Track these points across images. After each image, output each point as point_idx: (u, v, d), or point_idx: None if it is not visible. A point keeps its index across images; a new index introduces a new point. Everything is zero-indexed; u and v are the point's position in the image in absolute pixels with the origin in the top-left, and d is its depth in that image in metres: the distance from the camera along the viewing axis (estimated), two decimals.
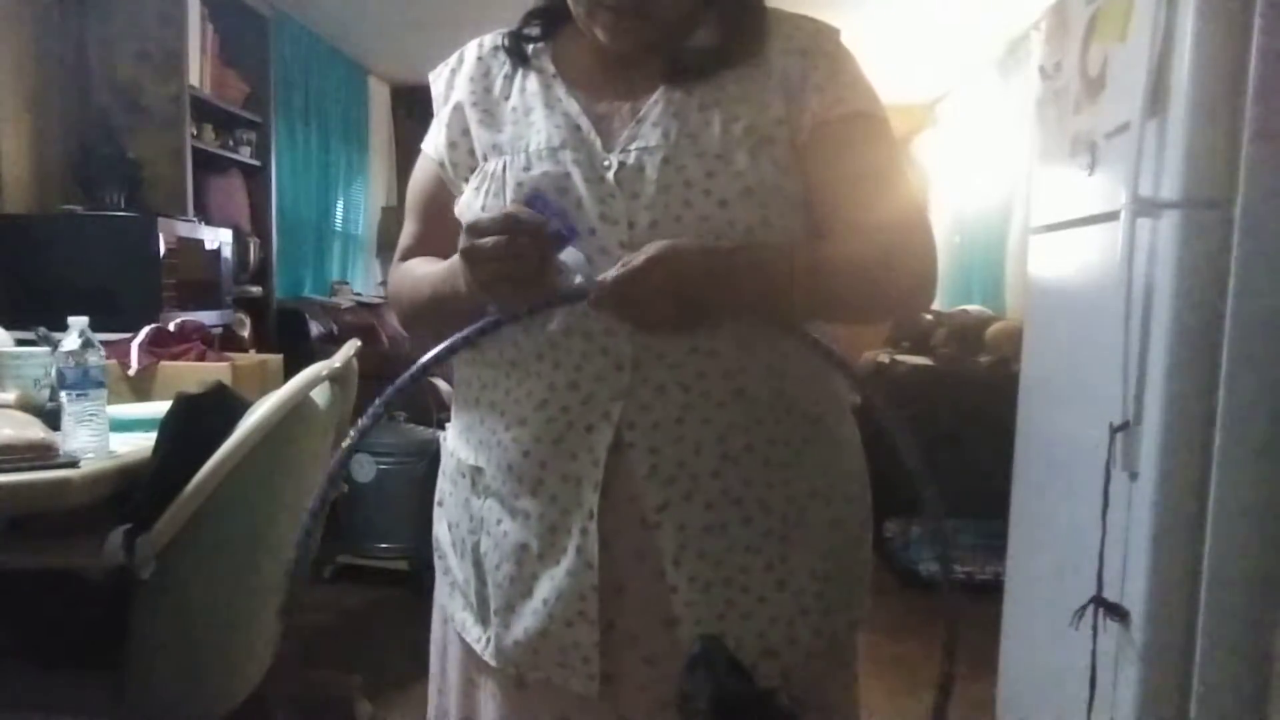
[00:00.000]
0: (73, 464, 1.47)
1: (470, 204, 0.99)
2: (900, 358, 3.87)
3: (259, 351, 2.97)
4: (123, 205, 3.09)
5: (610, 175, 0.92)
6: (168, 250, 2.92)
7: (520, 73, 1.03)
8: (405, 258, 1.10)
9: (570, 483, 0.92)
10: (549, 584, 0.94)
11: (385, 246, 5.67)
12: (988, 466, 2.51)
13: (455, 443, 1.05)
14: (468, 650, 1.04)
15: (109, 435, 1.58)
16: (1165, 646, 1.51)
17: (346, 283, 5.14)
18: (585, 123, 0.96)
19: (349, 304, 4.75)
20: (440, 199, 1.06)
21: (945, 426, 3.48)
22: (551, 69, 1.01)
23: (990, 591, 2.48)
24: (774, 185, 0.91)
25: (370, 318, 4.67)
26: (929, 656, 2.74)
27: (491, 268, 0.86)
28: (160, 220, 2.94)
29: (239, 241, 3.66)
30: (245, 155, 3.92)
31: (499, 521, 0.98)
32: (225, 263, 3.40)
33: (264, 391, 1.63)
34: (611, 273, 0.84)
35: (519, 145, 0.97)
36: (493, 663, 0.99)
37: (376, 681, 2.41)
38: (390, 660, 2.64)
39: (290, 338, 3.92)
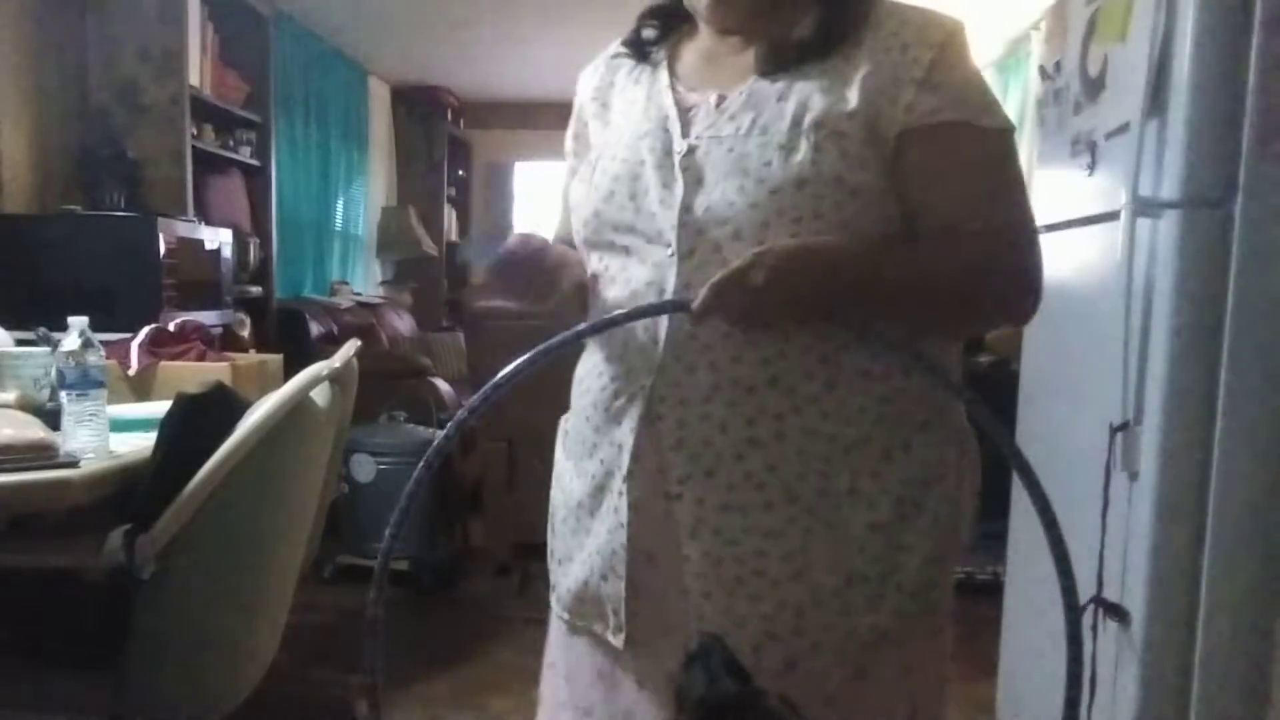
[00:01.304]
0: (73, 464, 1.47)
1: (574, 191, 1.06)
2: None
3: (259, 351, 2.97)
4: (123, 205, 3.09)
5: (677, 161, 0.95)
6: (168, 250, 2.92)
7: (640, 68, 1.07)
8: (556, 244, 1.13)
9: (614, 448, 0.99)
10: (592, 540, 1.02)
11: (385, 246, 5.67)
12: (988, 466, 2.51)
13: (568, 412, 1.12)
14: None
15: (109, 435, 1.58)
16: (1165, 646, 1.50)
17: (346, 283, 5.14)
18: (673, 112, 0.99)
19: (349, 304, 4.75)
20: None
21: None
22: (664, 64, 1.05)
23: (990, 591, 2.48)
24: (833, 177, 0.90)
25: (370, 318, 4.68)
26: None
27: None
28: (160, 220, 2.94)
29: (239, 241, 3.66)
30: (245, 155, 3.92)
31: (569, 480, 1.07)
32: (225, 263, 3.40)
33: (264, 391, 1.63)
34: (713, 279, 0.86)
35: (620, 137, 1.02)
36: (555, 609, 1.09)
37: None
38: (390, 660, 2.64)
39: (290, 338, 3.92)
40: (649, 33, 1.08)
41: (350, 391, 1.86)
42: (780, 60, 0.96)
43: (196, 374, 2.03)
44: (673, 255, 0.94)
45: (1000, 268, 0.94)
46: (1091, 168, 1.76)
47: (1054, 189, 2.02)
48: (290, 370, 1.79)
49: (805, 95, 0.93)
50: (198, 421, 1.48)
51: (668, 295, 0.93)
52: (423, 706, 2.38)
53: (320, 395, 1.69)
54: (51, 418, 1.64)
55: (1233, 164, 1.42)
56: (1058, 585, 0.95)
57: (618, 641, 1.00)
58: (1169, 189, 1.48)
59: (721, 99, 0.97)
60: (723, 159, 0.93)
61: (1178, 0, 1.46)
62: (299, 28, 4.46)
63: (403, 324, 5.08)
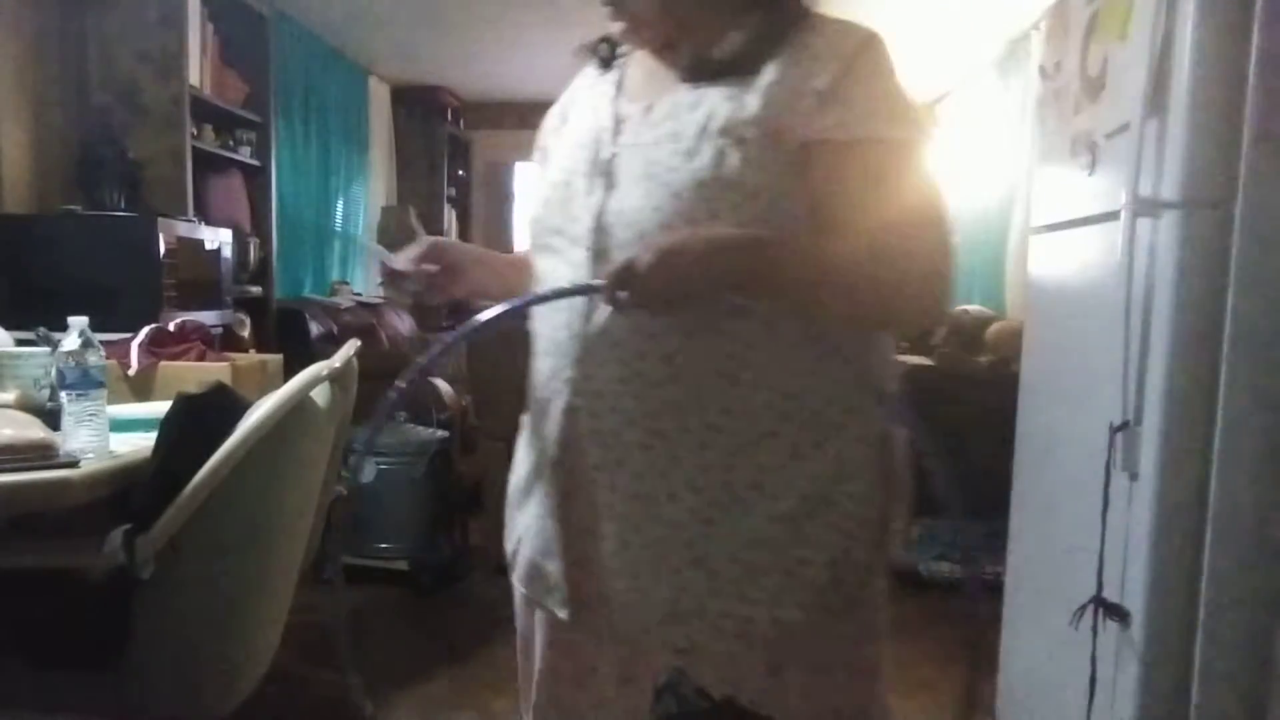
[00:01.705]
0: (73, 464, 1.47)
1: (533, 197, 1.14)
2: (900, 358, 3.87)
3: (259, 351, 2.97)
4: (123, 205, 3.09)
5: (601, 168, 1.02)
6: (168, 250, 2.92)
7: (601, 80, 1.12)
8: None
9: (546, 436, 1.05)
10: (535, 521, 1.09)
11: (385, 246, 5.65)
12: (988, 466, 2.51)
13: None
14: None
15: (109, 435, 1.58)
16: (1165, 646, 1.50)
17: (346, 283, 5.14)
18: (608, 121, 1.05)
19: (349, 304, 4.75)
20: None
21: (945, 426, 3.48)
22: (616, 75, 1.11)
23: (990, 591, 2.48)
24: (732, 180, 0.94)
25: (370, 318, 4.67)
26: (928, 657, 2.74)
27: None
28: (160, 220, 2.94)
29: (239, 241, 3.66)
30: (245, 155, 3.92)
31: (519, 465, 1.15)
32: (225, 263, 3.40)
33: (264, 391, 1.63)
34: (610, 266, 0.92)
35: (566, 147, 1.09)
36: (515, 584, 1.15)
37: (376, 681, 2.41)
38: (390, 660, 2.65)
39: (290, 338, 3.92)
40: (604, 48, 1.13)
41: (350, 391, 1.86)
42: (698, 74, 1.00)
43: (196, 374, 2.03)
44: (589, 256, 1.00)
45: (902, 271, 0.95)
46: (1091, 168, 1.76)
47: (1054, 189, 2.02)
48: (290, 370, 1.79)
49: (714, 103, 0.97)
50: (198, 421, 1.48)
51: None
52: (423, 706, 2.38)
53: (320, 395, 1.69)
54: (51, 418, 1.64)
55: (1233, 164, 1.42)
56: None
57: (563, 614, 1.07)
58: (1169, 189, 1.48)
59: (649, 109, 1.03)
60: (636, 164, 0.99)
61: (1178, 0, 1.46)
62: (299, 28, 4.46)
63: (403, 324, 5.08)
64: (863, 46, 0.96)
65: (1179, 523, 1.48)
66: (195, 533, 1.45)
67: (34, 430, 1.52)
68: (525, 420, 1.14)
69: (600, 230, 0.99)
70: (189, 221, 3.22)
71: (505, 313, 0.98)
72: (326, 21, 4.50)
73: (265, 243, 4.05)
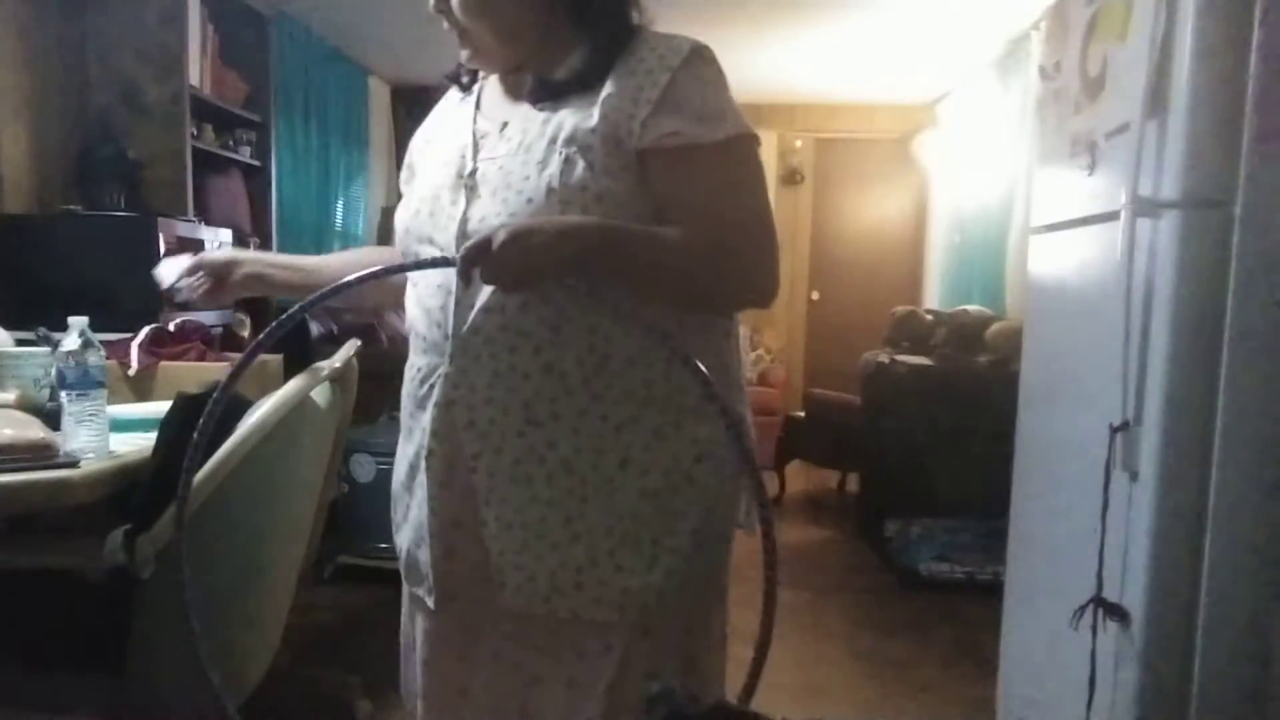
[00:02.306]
0: (73, 464, 1.47)
1: (398, 214, 1.21)
2: (900, 358, 3.87)
3: None
4: (123, 205, 3.09)
5: (464, 181, 1.11)
6: (168, 250, 2.92)
7: (463, 102, 1.22)
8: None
9: (422, 431, 1.12)
10: (412, 512, 1.17)
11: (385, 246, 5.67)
12: (988, 466, 2.51)
13: None
14: None
15: (109, 435, 1.58)
16: (1165, 646, 1.50)
17: None
18: (468, 139, 1.14)
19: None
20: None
21: (945, 426, 3.48)
22: (475, 97, 1.20)
23: (990, 591, 2.49)
24: (579, 186, 1.04)
25: (370, 318, 4.67)
26: (928, 656, 2.75)
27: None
28: (160, 220, 2.94)
29: (239, 241, 3.66)
30: (245, 155, 3.92)
31: (398, 461, 1.21)
32: None
33: (264, 391, 1.63)
34: (466, 243, 1.00)
35: (432, 164, 1.18)
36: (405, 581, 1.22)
37: (376, 681, 2.41)
38: (390, 660, 2.64)
39: (290, 338, 3.90)
40: (465, 73, 1.22)
41: (350, 391, 1.87)
42: (545, 94, 1.11)
43: (196, 374, 2.03)
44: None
45: (728, 256, 1.06)
46: (1091, 168, 1.76)
47: (1054, 189, 2.02)
48: (290, 370, 1.79)
49: (562, 118, 1.08)
50: (198, 421, 1.48)
51: (451, 294, 1.08)
52: None
53: (320, 395, 1.69)
54: (51, 418, 1.64)
55: (1233, 164, 1.42)
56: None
57: (430, 602, 1.15)
58: (1169, 189, 1.48)
59: (504, 125, 1.13)
60: (494, 176, 1.09)
61: (1178, 0, 1.46)
62: (299, 28, 4.45)
63: (403, 324, 5.08)
64: (688, 58, 1.07)
65: (1179, 523, 1.48)
66: (196, 532, 1.45)
67: (34, 430, 1.52)
68: (400, 419, 1.21)
69: (464, 237, 1.06)
70: (189, 221, 3.22)
71: (355, 281, 1.09)
72: (326, 21, 4.50)
73: (265, 243, 4.05)
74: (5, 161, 2.92)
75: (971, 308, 4.32)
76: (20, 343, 2.09)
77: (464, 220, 1.09)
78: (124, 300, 2.74)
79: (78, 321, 1.54)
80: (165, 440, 1.49)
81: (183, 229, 3.09)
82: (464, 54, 1.15)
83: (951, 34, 4.31)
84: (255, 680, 1.71)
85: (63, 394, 1.54)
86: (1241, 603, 1.46)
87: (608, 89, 1.06)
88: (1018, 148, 4.19)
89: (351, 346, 1.86)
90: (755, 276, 1.10)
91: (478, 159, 1.12)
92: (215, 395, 1.11)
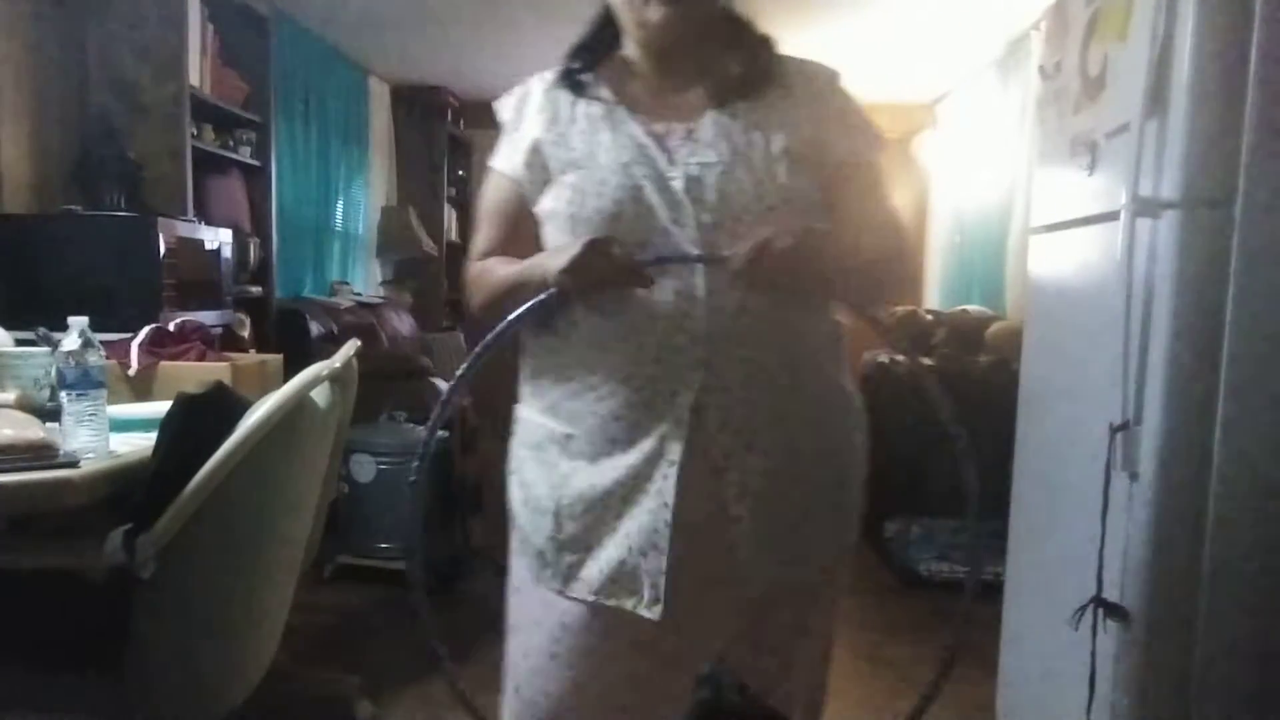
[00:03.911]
0: (73, 464, 1.46)
1: (555, 210, 1.18)
2: (901, 358, 3.87)
3: (259, 351, 2.97)
4: (123, 205, 3.09)
5: (677, 186, 1.13)
6: (168, 250, 2.92)
7: (582, 101, 1.22)
8: (483, 259, 1.29)
9: (655, 439, 1.13)
10: (631, 523, 1.14)
11: (385, 246, 5.66)
12: (988, 466, 2.50)
13: (542, 417, 1.23)
14: (543, 592, 1.22)
15: (109, 435, 1.58)
16: (1165, 646, 1.51)
17: (346, 283, 5.14)
18: (649, 141, 1.16)
19: (349, 304, 4.75)
20: (517, 210, 1.25)
21: (945, 426, 3.47)
22: (611, 96, 1.21)
23: (990, 591, 2.48)
24: (804, 195, 1.14)
25: (370, 318, 4.67)
26: (928, 656, 2.74)
27: (600, 267, 1.08)
28: (160, 220, 2.94)
29: (239, 241, 3.66)
30: (245, 155, 3.91)
31: (586, 477, 1.17)
32: (225, 263, 3.40)
33: (264, 391, 1.63)
34: (753, 241, 1.06)
35: (592, 161, 1.17)
36: (574, 594, 1.18)
37: (376, 681, 2.41)
38: (390, 660, 2.64)
39: (290, 338, 3.91)
40: (576, 65, 1.24)
41: (350, 391, 1.86)
42: (726, 96, 1.17)
43: (196, 374, 2.03)
44: (695, 266, 1.12)
45: (901, 258, 1.29)
46: (1091, 168, 1.76)
47: (1054, 189, 2.02)
48: (290, 370, 1.79)
49: (767, 128, 1.16)
50: (198, 421, 1.48)
51: (699, 300, 1.10)
52: (423, 706, 2.38)
53: (320, 395, 1.69)
54: (51, 418, 1.64)
55: (1233, 164, 1.43)
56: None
57: (653, 613, 1.14)
58: (1169, 189, 1.48)
59: (690, 131, 1.16)
60: (715, 181, 1.12)
61: (1178, 0, 1.46)
62: (299, 28, 4.45)
63: (403, 324, 5.08)
64: (839, 82, 1.23)
65: (1179, 523, 1.49)
66: (195, 533, 1.45)
67: (34, 430, 1.52)
68: (577, 435, 1.17)
69: (701, 241, 1.11)
70: (189, 221, 3.22)
71: (653, 262, 1.10)
72: (326, 21, 4.49)
73: (265, 243, 4.04)
74: (5, 161, 2.92)
75: (971, 308, 4.32)
76: (20, 343, 2.09)
77: (699, 225, 1.11)
78: (124, 300, 2.75)
79: (78, 321, 1.54)
80: (165, 440, 1.48)
81: (183, 229, 3.08)
82: (658, 13, 1.14)
83: (951, 34, 4.31)
84: (255, 680, 1.71)
85: (63, 394, 1.53)
86: (1241, 602, 1.46)
87: (803, 109, 1.18)
88: (1018, 148, 4.19)
89: (351, 346, 1.86)
90: (906, 274, 1.32)
91: (675, 161, 1.14)
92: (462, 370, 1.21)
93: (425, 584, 1.27)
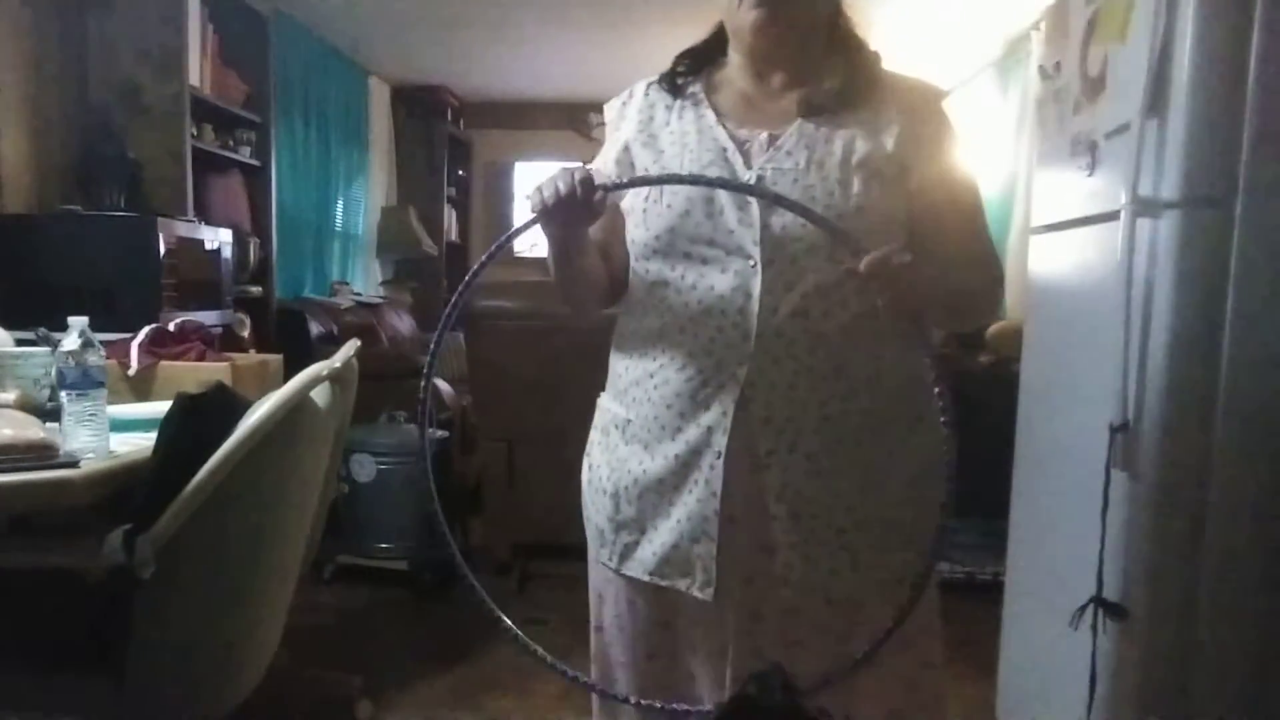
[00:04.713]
0: (73, 464, 1.47)
1: (632, 205, 1.23)
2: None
3: (259, 351, 2.96)
4: (123, 205, 3.09)
5: (750, 188, 1.14)
6: (168, 250, 2.92)
7: (679, 104, 1.26)
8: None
9: (702, 429, 1.16)
10: (681, 510, 1.19)
11: (385, 246, 5.67)
12: (988, 466, 2.51)
13: (611, 403, 1.30)
14: (600, 567, 1.30)
15: (109, 435, 1.58)
16: (1165, 646, 1.51)
17: (346, 283, 5.14)
18: (730, 146, 1.19)
19: (349, 304, 4.75)
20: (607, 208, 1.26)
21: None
22: (705, 102, 1.24)
23: (990, 591, 2.48)
24: (879, 207, 1.14)
25: (370, 318, 4.67)
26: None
27: (566, 182, 1.09)
28: (160, 220, 2.94)
29: (239, 241, 3.66)
30: (245, 155, 3.92)
31: (640, 462, 1.22)
32: (225, 263, 3.40)
33: (264, 391, 1.63)
34: (879, 252, 1.06)
35: (674, 162, 1.21)
36: (630, 574, 1.25)
37: (376, 681, 2.41)
38: (390, 660, 2.65)
39: (290, 338, 3.91)
40: (682, 70, 1.27)
41: (350, 391, 1.86)
42: (818, 106, 1.18)
43: (196, 374, 2.03)
44: (754, 266, 1.14)
45: (988, 284, 1.26)
46: (1091, 168, 1.76)
47: (1054, 189, 2.02)
48: (290, 370, 1.79)
49: (849, 139, 1.17)
50: (198, 421, 1.48)
51: (754, 299, 1.13)
52: (423, 706, 2.38)
53: (320, 395, 1.69)
54: (51, 418, 1.64)
55: (1233, 164, 1.42)
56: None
57: (705, 595, 1.19)
58: (1169, 189, 1.48)
59: (773, 138, 1.18)
60: (788, 189, 1.14)
61: (1178, 0, 1.46)
62: (299, 28, 4.45)
63: (403, 324, 5.08)
64: (940, 101, 1.23)
65: (1179, 523, 1.48)
66: (195, 533, 1.45)
67: (34, 430, 1.52)
68: (635, 420, 1.23)
69: (766, 243, 1.13)
70: (189, 221, 3.22)
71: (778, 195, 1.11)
72: (326, 21, 4.50)
73: (265, 243, 4.05)
74: (5, 161, 2.92)
75: None
76: (20, 343, 2.09)
77: (764, 228, 1.13)
78: (124, 300, 2.75)
79: (78, 321, 1.54)
80: (165, 440, 1.48)
81: (183, 229, 3.08)
82: (753, 16, 1.16)
83: (951, 34, 4.31)
84: (255, 680, 1.71)
85: (63, 394, 1.54)
86: (1241, 602, 1.46)
87: (894, 123, 1.17)
88: (1017, 148, 4.19)
89: (351, 346, 1.86)
90: (998, 295, 1.30)
91: (754, 167, 1.17)
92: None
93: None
